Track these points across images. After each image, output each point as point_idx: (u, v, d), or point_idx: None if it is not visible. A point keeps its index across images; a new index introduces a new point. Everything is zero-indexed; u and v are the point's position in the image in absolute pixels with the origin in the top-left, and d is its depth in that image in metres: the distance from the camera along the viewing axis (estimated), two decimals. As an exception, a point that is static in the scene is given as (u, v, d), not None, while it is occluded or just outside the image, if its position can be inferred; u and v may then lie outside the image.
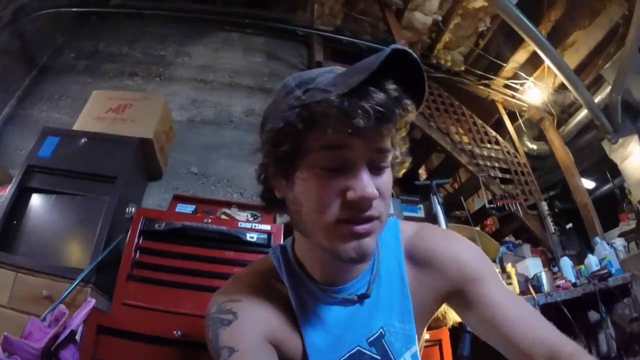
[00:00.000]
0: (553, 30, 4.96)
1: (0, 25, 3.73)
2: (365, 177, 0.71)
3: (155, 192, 3.39)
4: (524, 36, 3.88)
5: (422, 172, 6.45)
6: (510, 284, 3.14)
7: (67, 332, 1.78)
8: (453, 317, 2.23)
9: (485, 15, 5.36)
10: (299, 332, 0.85)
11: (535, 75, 5.55)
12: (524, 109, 5.81)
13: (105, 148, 2.83)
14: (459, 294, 0.88)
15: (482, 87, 5.69)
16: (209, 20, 4.82)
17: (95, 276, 2.31)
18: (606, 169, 5.47)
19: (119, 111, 3.13)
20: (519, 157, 5.22)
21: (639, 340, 3.15)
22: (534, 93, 5.62)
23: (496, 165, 4.89)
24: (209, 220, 2.31)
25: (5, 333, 1.66)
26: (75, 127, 3.06)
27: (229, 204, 2.91)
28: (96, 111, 3.15)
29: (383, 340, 0.86)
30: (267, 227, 2.35)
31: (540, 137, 5.79)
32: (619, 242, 3.96)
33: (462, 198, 4.76)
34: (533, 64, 5.45)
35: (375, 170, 0.74)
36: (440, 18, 5.35)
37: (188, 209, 2.77)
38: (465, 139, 4.89)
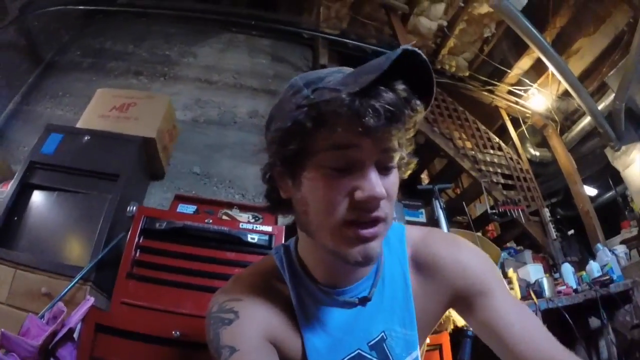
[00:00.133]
0: (558, 36, 4.96)
1: (6, 20, 3.74)
2: (373, 176, 0.70)
3: (157, 191, 3.39)
4: (528, 43, 3.88)
5: (425, 177, 6.44)
6: (512, 289, 3.14)
7: (65, 330, 1.78)
8: (454, 319, 2.24)
9: (491, 22, 5.36)
10: (299, 333, 0.84)
11: (539, 81, 5.54)
12: (528, 115, 5.80)
13: (108, 146, 2.84)
14: (463, 301, 0.87)
15: (486, 93, 5.69)
16: (215, 20, 4.82)
17: (95, 274, 2.31)
18: (609, 177, 5.47)
19: (122, 109, 3.13)
20: (521, 164, 5.21)
21: (639, 347, 3.14)
22: (538, 100, 5.62)
23: (499, 171, 4.88)
24: (210, 221, 2.31)
25: (2, 330, 1.65)
26: (79, 124, 3.07)
27: (230, 205, 2.91)
28: (100, 109, 3.16)
29: (384, 345, 0.85)
30: (269, 229, 2.35)
31: (543, 143, 5.78)
32: (621, 249, 3.96)
33: (464, 203, 4.75)
34: (537, 70, 5.45)
35: (383, 170, 0.73)
36: (445, 23, 5.34)
37: (189, 209, 2.77)
38: (468, 145, 4.89)
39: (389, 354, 0.85)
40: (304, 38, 5.04)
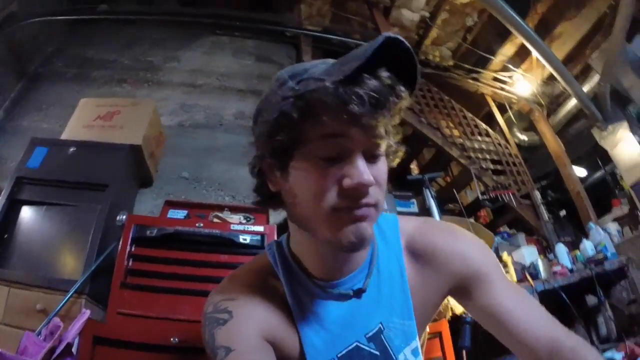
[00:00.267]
0: (540, 22, 4.99)
1: (-13, 33, 3.70)
2: (361, 164, 0.71)
3: (147, 198, 3.37)
4: (511, 29, 3.90)
5: (414, 167, 6.47)
6: (507, 272, 3.15)
7: (63, 345, 1.76)
8: (453, 307, 2.24)
9: (472, 10, 5.38)
10: (295, 329, 0.84)
11: (523, 67, 5.58)
12: (514, 101, 5.84)
13: (95, 156, 2.81)
14: (462, 289, 0.87)
15: (471, 81, 5.71)
16: (198, 24, 4.80)
17: (89, 286, 2.29)
18: (597, 157, 5.52)
19: (107, 118, 3.10)
20: (510, 149, 5.25)
21: (637, 321, 3.18)
22: (523, 85, 5.65)
23: (487, 157, 4.92)
24: (201, 225, 2.30)
25: (0, 349, 1.64)
26: (64, 136, 3.04)
27: (221, 207, 2.90)
28: (84, 119, 3.13)
29: (382, 336, 0.85)
30: (260, 229, 2.34)
31: (530, 128, 5.83)
32: (613, 227, 4.01)
33: (455, 191, 4.80)
34: (521, 56, 5.49)
35: (371, 158, 0.73)
36: (427, 14, 5.35)
37: (180, 214, 2.74)
38: (456, 133, 4.92)
39: (387, 345, 0.84)
40: (287, 37, 5.04)
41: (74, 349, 1.82)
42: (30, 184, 2.66)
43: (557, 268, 3.35)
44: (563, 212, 5.46)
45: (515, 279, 3.15)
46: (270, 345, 0.81)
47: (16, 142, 3.42)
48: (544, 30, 4.93)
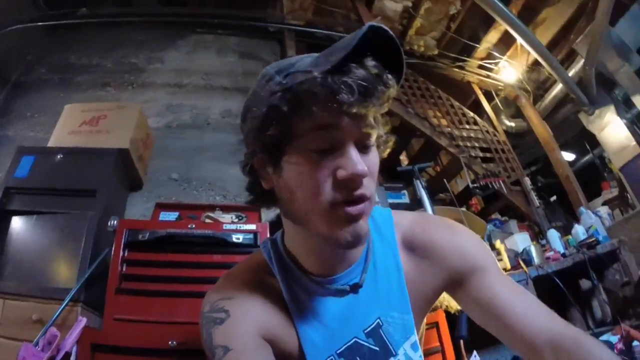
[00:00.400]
0: (524, 8, 4.99)
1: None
2: (354, 154, 0.71)
3: (138, 202, 3.35)
4: (495, 16, 3.91)
5: (404, 158, 6.48)
6: (500, 260, 3.17)
7: (61, 354, 1.75)
8: (449, 306, 2.25)
9: (455, -1, 5.37)
10: (293, 327, 0.84)
11: (508, 54, 5.60)
12: (500, 88, 5.86)
13: (83, 162, 2.79)
14: (460, 284, 0.87)
15: (456, 70, 5.72)
16: (181, 23, 4.76)
17: (85, 294, 2.28)
18: (585, 141, 5.57)
19: (93, 123, 3.07)
20: (498, 136, 5.27)
21: (632, 303, 3.22)
22: (509, 72, 5.68)
23: (476, 145, 4.94)
24: (193, 226, 2.29)
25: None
26: (50, 143, 3.00)
27: (212, 207, 2.89)
28: (70, 125, 3.09)
29: (381, 331, 0.85)
30: (253, 227, 2.34)
31: (517, 114, 5.85)
32: (604, 210, 4.04)
33: (445, 180, 4.82)
34: (506, 43, 5.50)
35: (363, 148, 0.74)
36: (410, 4, 5.32)
37: (171, 216, 2.74)
38: (444, 122, 4.93)
39: (386, 340, 0.85)
40: (270, 32, 5.01)
41: (72, 358, 1.81)
42: (19, 194, 2.64)
43: (550, 254, 3.37)
44: (553, 198, 5.52)
45: (509, 266, 3.16)
46: (269, 344, 0.81)
47: (2, 153, 3.38)
48: (528, 16, 4.93)
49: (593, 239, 3.39)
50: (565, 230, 4.18)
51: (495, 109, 5.77)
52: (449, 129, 4.85)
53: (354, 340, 0.84)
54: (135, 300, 2.09)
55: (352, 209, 0.72)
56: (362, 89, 0.66)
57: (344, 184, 0.70)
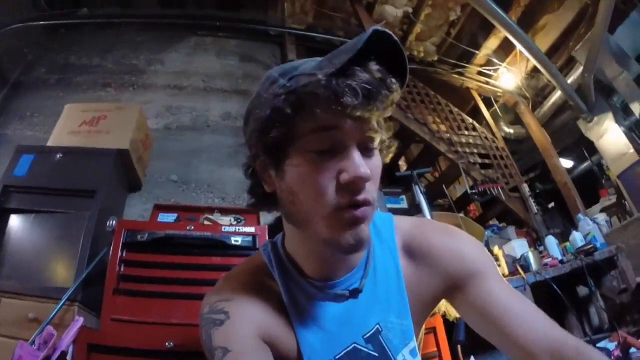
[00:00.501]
0: (523, 14, 5.02)
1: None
2: (357, 157, 0.71)
3: (137, 203, 3.34)
4: (494, 23, 3.92)
5: (402, 164, 6.48)
6: (498, 265, 3.17)
7: (57, 353, 1.74)
8: (447, 312, 2.25)
9: (455, 5, 5.39)
10: (292, 330, 0.83)
11: (507, 60, 5.62)
12: (499, 94, 5.88)
13: (82, 162, 2.78)
14: (459, 290, 0.86)
15: (456, 76, 5.75)
16: (181, 25, 4.76)
17: (82, 293, 2.26)
18: (583, 148, 5.59)
19: (93, 123, 3.06)
20: (496, 142, 5.29)
21: (629, 310, 3.22)
22: (508, 78, 5.70)
23: (475, 151, 4.95)
24: (192, 227, 2.27)
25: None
26: (49, 143, 2.99)
27: (211, 210, 2.88)
28: (70, 125, 3.08)
29: (380, 337, 0.84)
30: (251, 229, 2.32)
31: (516, 121, 5.87)
32: (601, 217, 4.06)
33: (443, 186, 4.82)
34: (505, 49, 5.53)
35: (365, 151, 0.73)
36: (410, 10, 5.35)
37: (170, 217, 2.72)
38: (443, 128, 4.95)
39: (385, 346, 0.84)
40: (271, 35, 5.02)
41: (68, 357, 1.80)
42: (18, 193, 2.62)
43: (547, 260, 3.37)
44: (551, 204, 5.53)
45: (506, 271, 3.17)
46: (267, 345, 0.80)
47: (1, 152, 3.37)
48: (527, 22, 4.97)
49: (591, 245, 3.40)
50: (563, 237, 4.18)
51: (494, 115, 5.80)
52: (448, 135, 4.87)
53: (352, 346, 0.83)
54: (132, 301, 2.07)
55: (358, 212, 0.71)
56: (365, 92, 0.66)
57: (347, 187, 0.70)
